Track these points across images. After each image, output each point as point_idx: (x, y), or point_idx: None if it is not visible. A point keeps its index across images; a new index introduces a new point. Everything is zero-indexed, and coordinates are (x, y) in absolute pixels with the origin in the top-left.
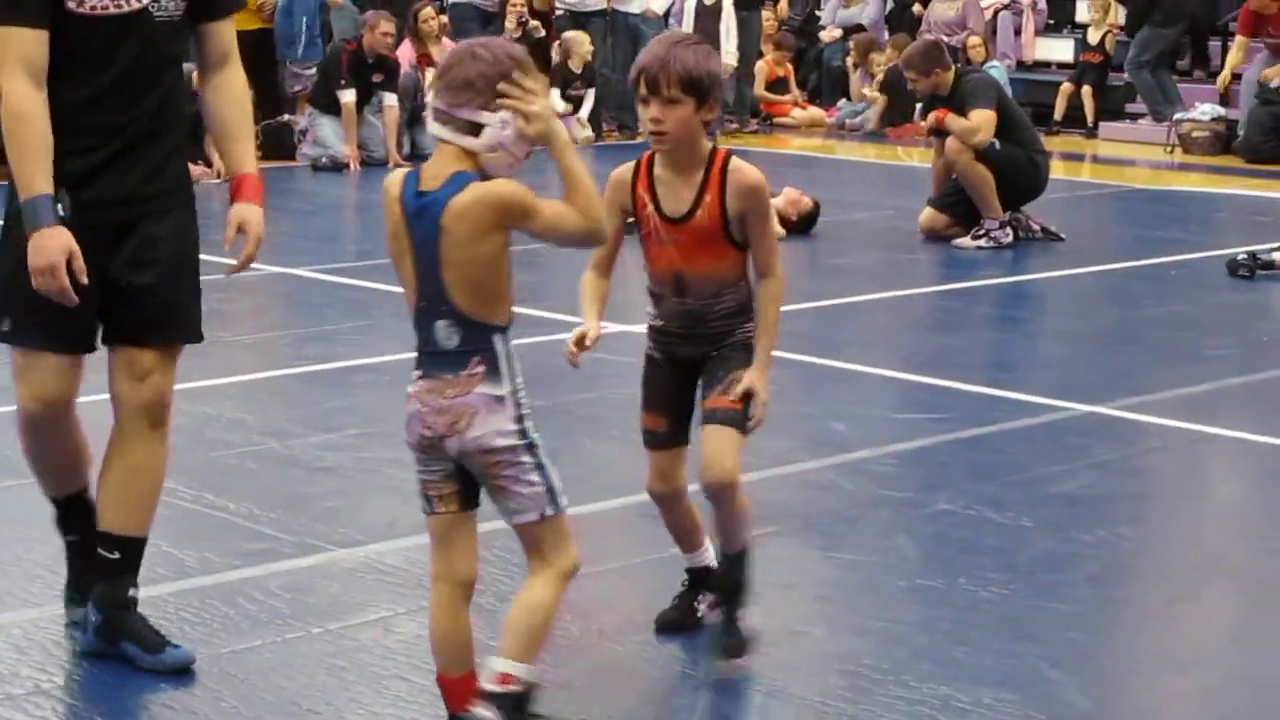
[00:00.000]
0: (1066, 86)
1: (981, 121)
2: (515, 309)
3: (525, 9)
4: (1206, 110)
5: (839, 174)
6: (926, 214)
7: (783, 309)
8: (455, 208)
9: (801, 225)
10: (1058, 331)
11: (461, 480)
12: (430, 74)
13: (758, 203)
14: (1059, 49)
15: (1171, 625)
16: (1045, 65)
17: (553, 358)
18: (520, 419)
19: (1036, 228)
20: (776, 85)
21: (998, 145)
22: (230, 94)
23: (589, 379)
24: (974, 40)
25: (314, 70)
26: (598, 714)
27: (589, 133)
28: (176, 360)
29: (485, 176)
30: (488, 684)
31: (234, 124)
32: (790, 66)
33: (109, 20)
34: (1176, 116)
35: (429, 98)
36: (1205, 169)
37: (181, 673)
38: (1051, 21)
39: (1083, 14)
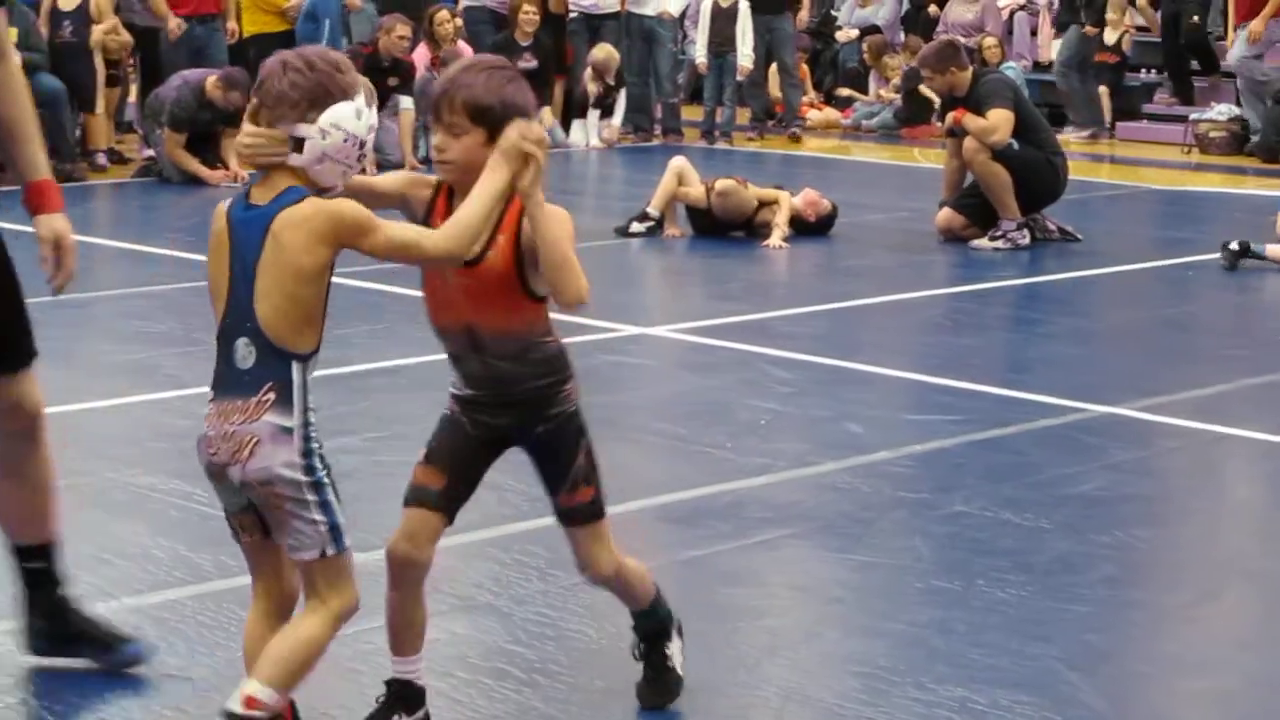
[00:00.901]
0: None
1: (999, 121)
2: None
3: (537, 14)
4: (1223, 110)
5: (855, 176)
6: (944, 215)
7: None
8: (289, 216)
9: (819, 227)
10: (1074, 332)
11: (258, 511)
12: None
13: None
14: None
15: (1189, 627)
16: None
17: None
18: (307, 454)
19: (1053, 228)
20: None
21: (1015, 146)
22: (15, 91)
23: (606, 382)
24: (989, 41)
25: None
26: (616, 717)
27: (610, 136)
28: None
29: (318, 190)
30: (233, 705)
31: (24, 124)
32: (806, 68)
33: None
34: (1193, 116)
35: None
36: (1222, 169)
37: (134, 667)
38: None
39: None
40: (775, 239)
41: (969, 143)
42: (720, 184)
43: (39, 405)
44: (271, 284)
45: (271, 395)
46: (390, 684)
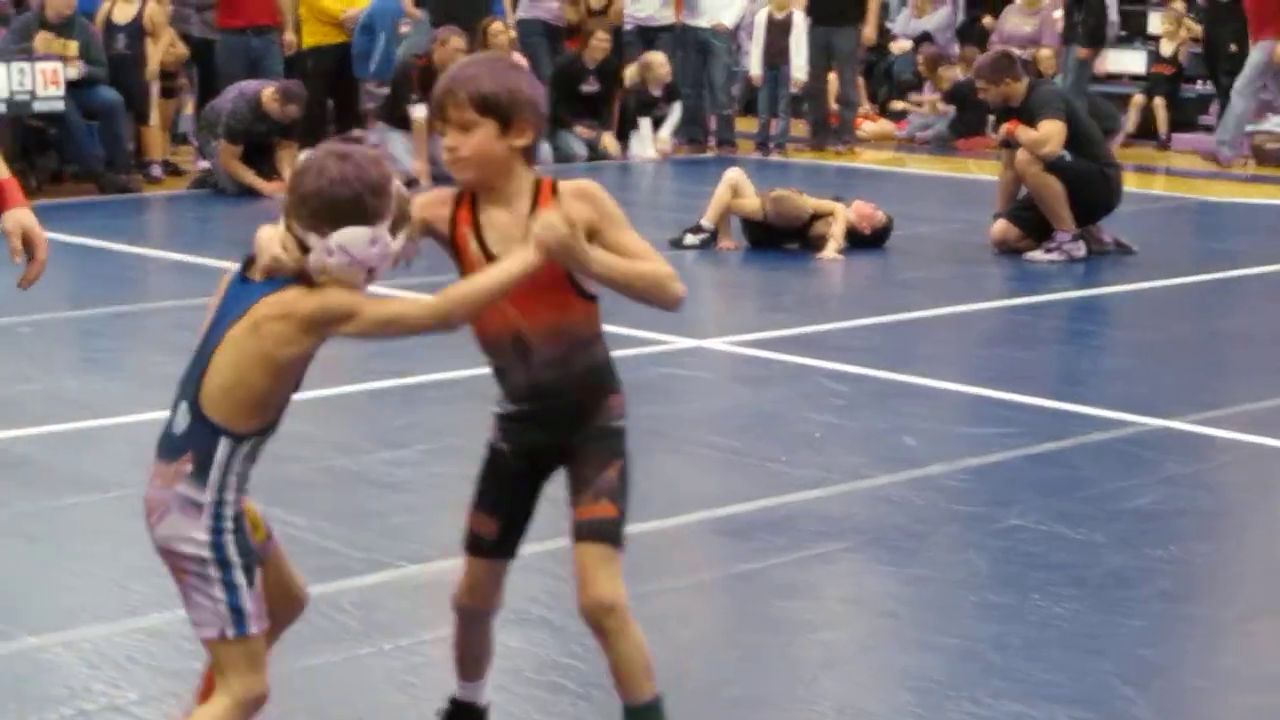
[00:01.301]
0: (1138, 98)
1: (1051, 132)
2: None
3: (610, 42)
4: (1279, 121)
5: (909, 188)
6: (999, 226)
7: (673, 294)
8: (272, 305)
9: (874, 239)
10: (1130, 345)
11: None
12: None
13: (594, 204)
14: (1131, 61)
15: (1244, 642)
16: (1117, 77)
17: (621, 372)
18: (216, 531)
19: (1108, 240)
20: None
21: (1068, 157)
22: None
23: (659, 394)
24: (1045, 52)
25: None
26: None
27: (667, 146)
28: None
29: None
30: None
31: None
32: (862, 80)
33: None
34: (1249, 129)
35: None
36: (1279, 181)
37: None
38: (1124, 33)
39: (1155, 26)
40: (830, 250)
41: (1021, 154)
42: (775, 192)
43: None
44: (228, 363)
45: (188, 467)
46: (453, 703)
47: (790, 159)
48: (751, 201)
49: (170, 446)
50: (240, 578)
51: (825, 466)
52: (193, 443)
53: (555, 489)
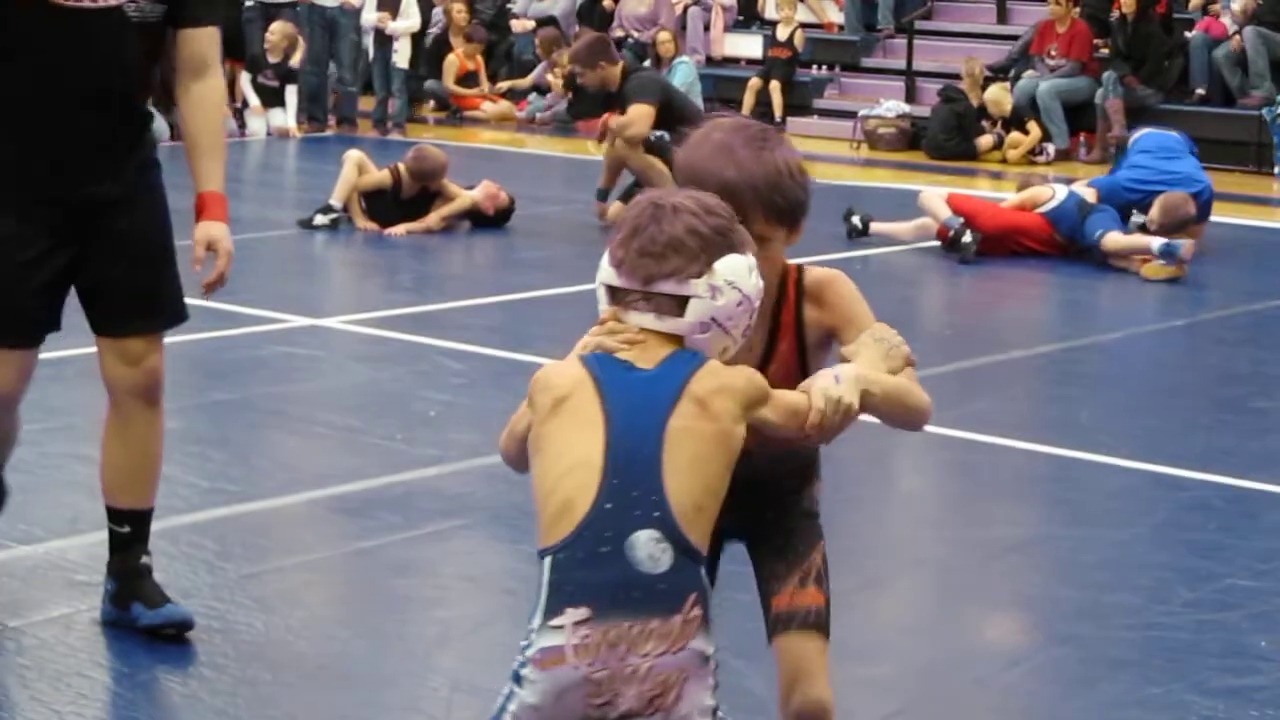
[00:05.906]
0: (755, 81)
1: (636, 116)
2: (206, 303)
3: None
4: (891, 107)
5: (529, 167)
6: (616, 208)
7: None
8: (701, 382)
9: (498, 219)
10: None
11: None
12: None
13: (837, 307)
14: (747, 45)
15: (850, 614)
16: (734, 61)
17: (237, 351)
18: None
19: None
20: (467, 79)
21: (668, 138)
22: (203, 107)
23: (276, 373)
24: (663, 35)
25: None
26: (285, 710)
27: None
28: (163, 339)
29: None
30: None
31: (204, 138)
32: (481, 60)
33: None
34: (862, 113)
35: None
36: (892, 165)
37: (181, 628)
38: (741, 18)
39: (771, 11)
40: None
41: (619, 142)
42: (414, 150)
43: (160, 369)
44: (688, 462)
45: (698, 611)
46: None
47: (410, 138)
48: (378, 175)
49: (656, 596)
50: None
51: (443, 445)
52: (690, 581)
53: (167, 468)
